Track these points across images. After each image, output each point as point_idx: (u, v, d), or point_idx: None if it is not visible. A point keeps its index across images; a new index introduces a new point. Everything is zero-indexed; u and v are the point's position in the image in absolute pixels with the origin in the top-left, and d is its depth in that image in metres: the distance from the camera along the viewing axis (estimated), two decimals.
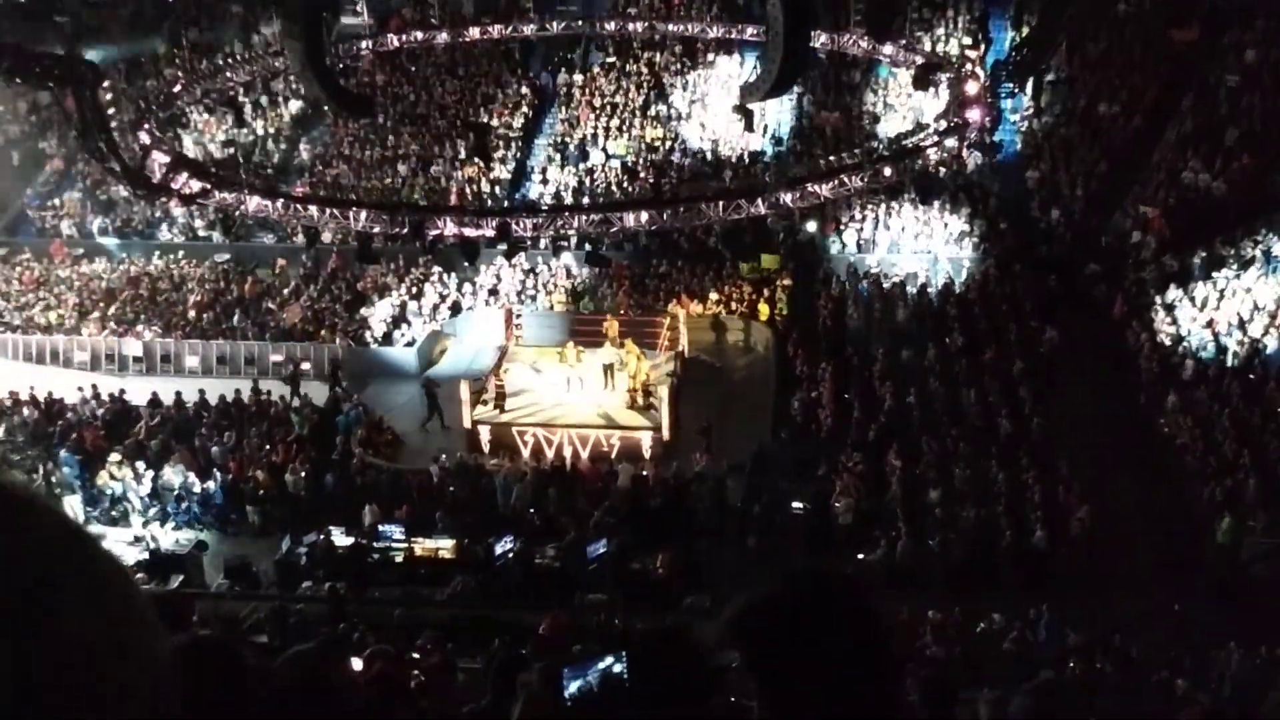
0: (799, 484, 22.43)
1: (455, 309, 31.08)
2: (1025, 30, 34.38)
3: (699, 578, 20.01)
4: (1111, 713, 13.15)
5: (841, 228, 31.84)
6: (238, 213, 26.74)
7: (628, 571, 20.09)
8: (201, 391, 26.77)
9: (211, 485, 23.55)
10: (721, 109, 35.39)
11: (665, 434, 25.00)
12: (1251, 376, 23.86)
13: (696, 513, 22.32)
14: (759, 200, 24.26)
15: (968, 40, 36.62)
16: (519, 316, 29.55)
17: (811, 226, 31.28)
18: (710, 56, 37.51)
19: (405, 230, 24.12)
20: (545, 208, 28.80)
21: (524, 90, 37.93)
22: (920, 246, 31.39)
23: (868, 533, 20.92)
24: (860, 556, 19.97)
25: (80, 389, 26.77)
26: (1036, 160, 32.92)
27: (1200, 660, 15.60)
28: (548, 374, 27.00)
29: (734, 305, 30.36)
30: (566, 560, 20.37)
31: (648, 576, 19.93)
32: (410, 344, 29.66)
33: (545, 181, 34.93)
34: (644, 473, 23.42)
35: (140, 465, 23.72)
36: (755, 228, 31.00)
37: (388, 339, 29.90)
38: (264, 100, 37.68)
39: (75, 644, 1.07)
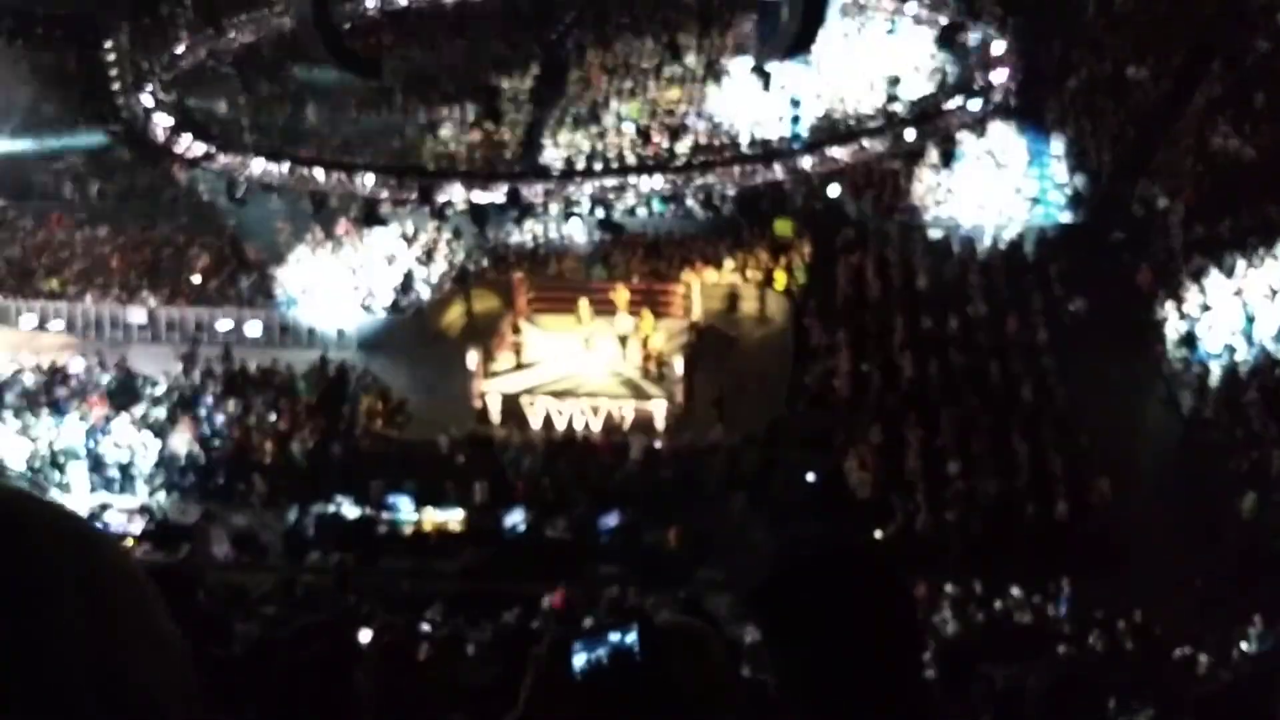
0: (815, 456, 22.45)
1: (463, 275, 31.08)
2: None
3: (712, 551, 20.06)
4: (1132, 690, 13.16)
5: (862, 193, 31.67)
6: (242, 176, 26.74)
7: (639, 545, 20.15)
8: (207, 359, 26.89)
9: (217, 454, 23.67)
10: (739, 70, 35.16)
11: (679, 405, 25.02)
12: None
13: (710, 485, 22.35)
14: (776, 165, 24.11)
15: None
16: (529, 283, 29.56)
17: (833, 191, 31.12)
18: (728, 14, 37.20)
19: (413, 195, 24.06)
20: (556, 172, 28.69)
21: (535, 50, 37.67)
22: (942, 212, 31.24)
23: (884, 506, 20.93)
24: (877, 531, 19.98)
25: (84, 357, 26.89)
26: (1062, 124, 32.67)
27: (1223, 636, 15.59)
28: (562, 339, 27.04)
29: (750, 273, 30.28)
30: (577, 533, 20.44)
31: (660, 550, 19.99)
32: (418, 312, 29.68)
33: (556, 145, 34.79)
34: (656, 445, 23.45)
35: (146, 433, 23.86)
36: (773, 193, 30.88)
37: (395, 306, 29.96)
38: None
39: (75, 657, 1.05)
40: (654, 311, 27.31)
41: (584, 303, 27.47)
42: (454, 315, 30.87)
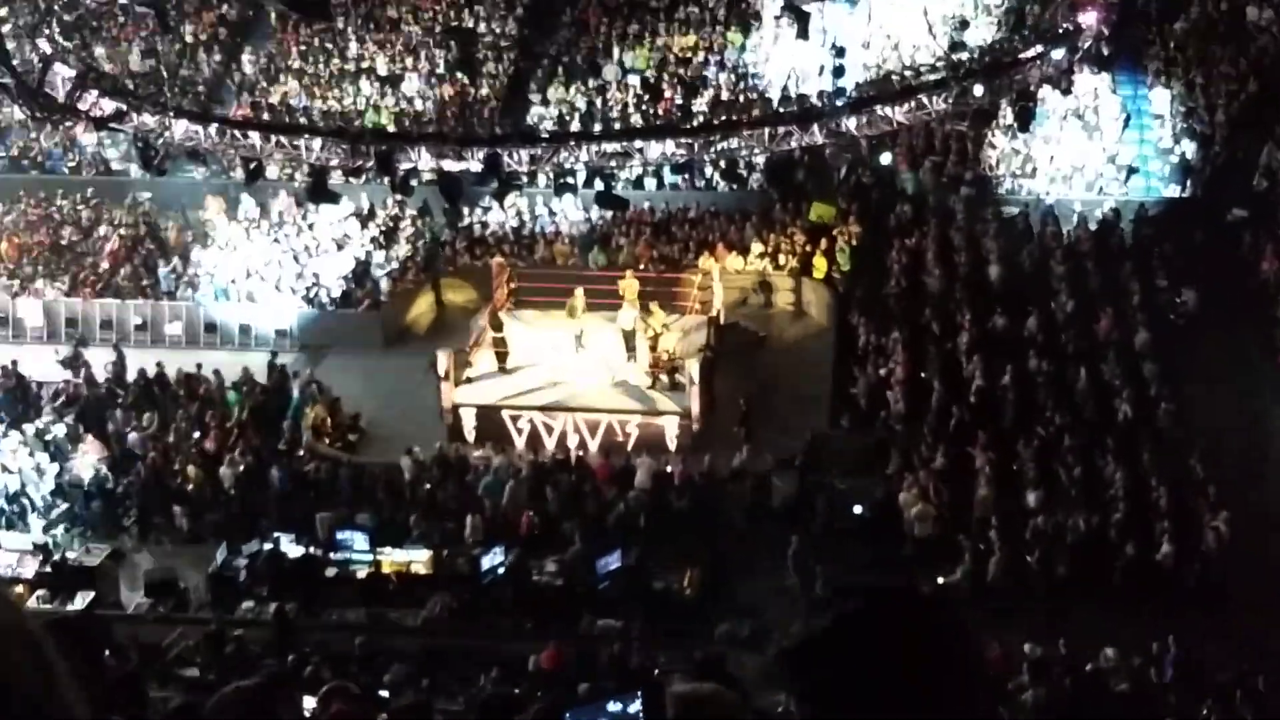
0: (862, 483, 22.40)
1: (431, 261, 31.13)
2: None
3: (736, 600, 20.04)
4: None
5: (920, 161, 31.67)
6: (160, 140, 26.75)
7: (647, 591, 20.15)
8: (116, 364, 26.92)
9: (129, 480, 23.67)
10: (769, 9, 35.19)
11: (695, 420, 25.01)
12: None
13: (733, 519, 22.33)
14: (815, 126, 24.10)
15: None
16: (512, 271, 29.59)
17: (885, 159, 31.12)
18: None
19: (370, 163, 24.08)
20: (545, 135, 28.67)
21: None
22: (1018, 185, 31.24)
23: (949, 545, 20.88)
24: (940, 579, 19.94)
25: None
26: (1167, 77, 32.65)
27: None
28: (550, 338, 27.13)
29: (783, 258, 30.25)
30: (571, 577, 20.43)
31: (672, 598, 19.98)
32: (375, 305, 29.72)
33: (545, 103, 34.83)
34: (668, 468, 23.47)
35: (42, 455, 23.87)
36: (811, 162, 30.81)
37: (347, 299, 30.01)
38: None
39: None
40: (665, 305, 27.28)
41: (578, 294, 27.49)
42: (420, 309, 30.88)
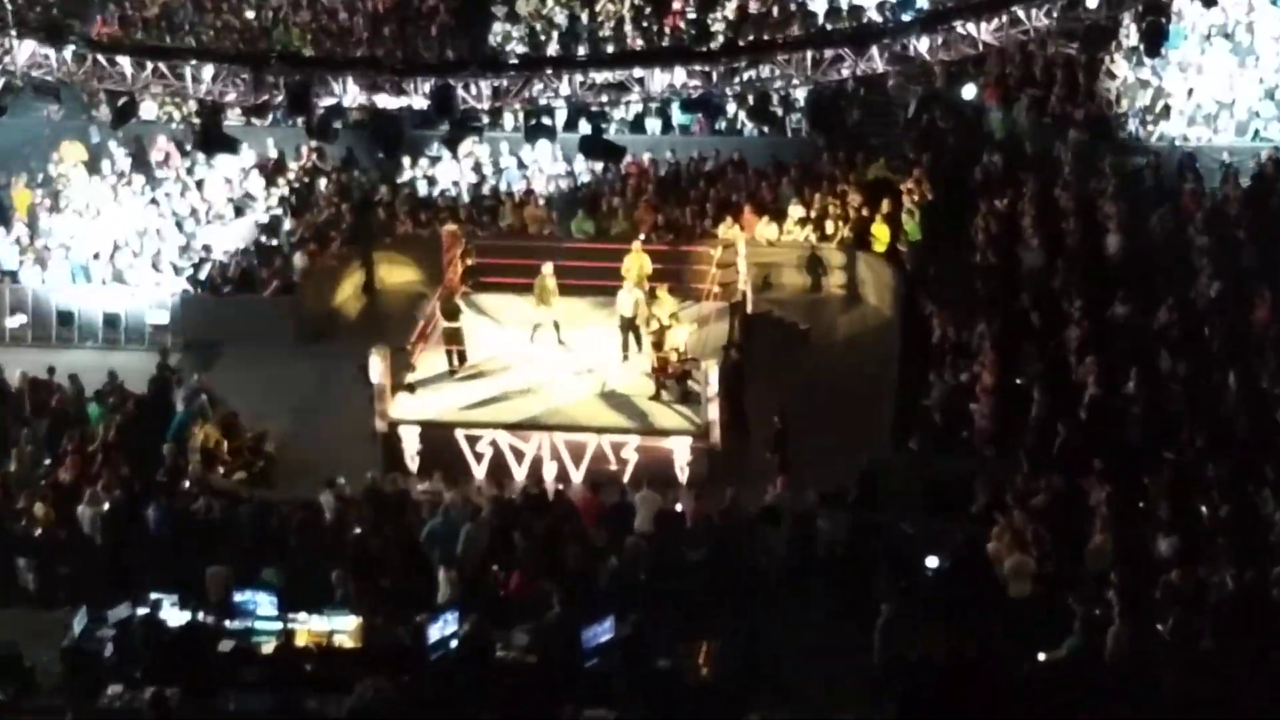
0: (938, 527, 22.41)
1: (361, 229, 31.12)
2: None
3: (767, 679, 20.03)
4: None
5: (1015, 96, 31.69)
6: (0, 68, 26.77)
7: (649, 671, 20.12)
8: None
9: None
10: None
11: (713, 440, 25.02)
12: None
13: (766, 573, 22.33)
14: (874, 49, 24.10)
15: None
16: (469, 243, 29.64)
17: (968, 92, 31.11)
18: None
19: (279, 99, 24.09)
20: (513, 62, 28.68)
21: None
22: (1146, 128, 31.26)
23: (1054, 609, 20.86)
24: (1041, 654, 19.93)
25: None
26: None
27: None
28: (521, 332, 27.30)
29: (831, 226, 30.24)
30: (548, 651, 20.41)
31: (681, 679, 19.95)
32: (286, 289, 29.71)
33: (513, 17, 34.87)
34: (677, 506, 23.45)
35: None
36: (868, 96, 30.76)
37: (248, 280, 29.98)
38: None
39: None
40: (674, 288, 27.27)
41: (547, 272, 27.37)
42: (346, 294, 30.84)
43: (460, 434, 25.50)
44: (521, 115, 26.77)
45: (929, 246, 29.41)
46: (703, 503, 23.45)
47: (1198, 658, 20.04)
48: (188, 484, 24.64)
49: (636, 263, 27.49)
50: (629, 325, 26.62)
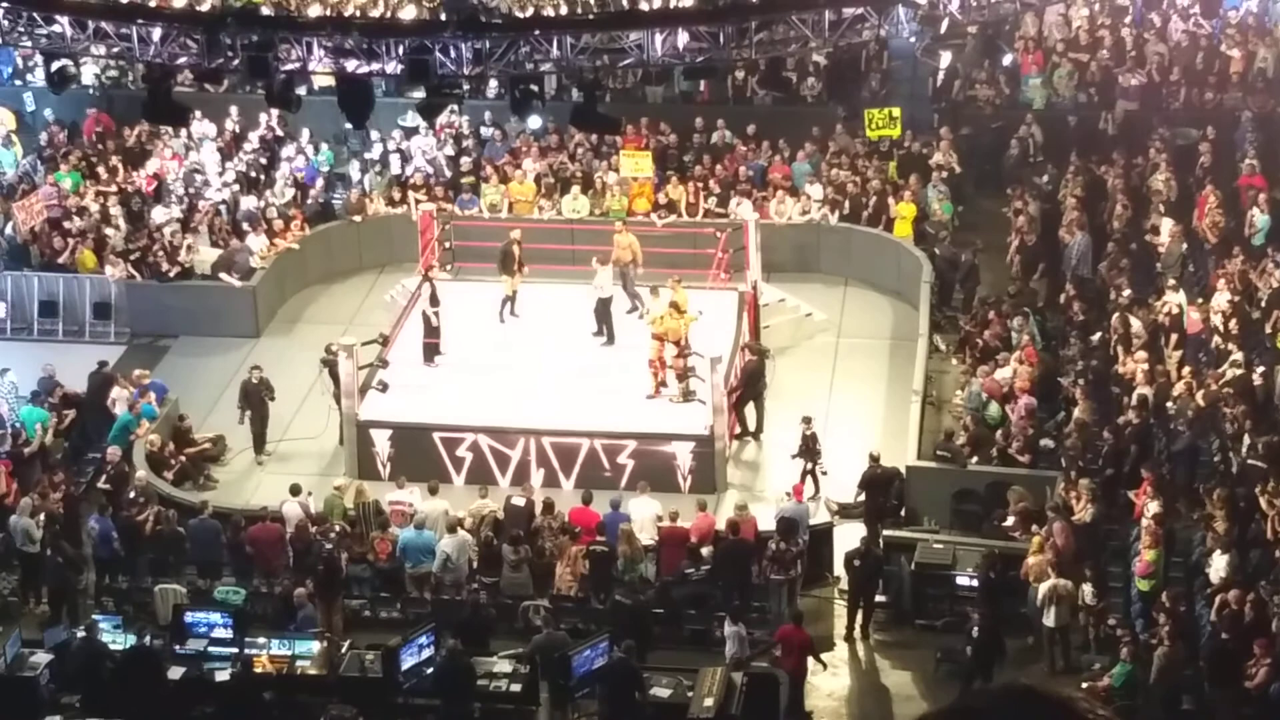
0: (966, 540, 22.36)
1: (327, 208, 31.14)
2: None
3: (787, 710, 20.06)
4: None
5: (1057, 61, 31.71)
6: None
7: (645, 700, 20.15)
8: None
9: None
10: None
11: (721, 442, 24.95)
12: None
13: (781, 591, 22.34)
14: (898, 9, 24.12)
15: None
16: (448, 223, 29.58)
17: (1005, 59, 31.10)
18: None
19: (236, 62, 24.11)
20: (496, 22, 28.69)
21: None
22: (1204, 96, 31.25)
23: (1094, 632, 20.92)
24: (1085, 682, 19.99)
25: None
26: None
27: None
28: (503, 322, 27.45)
29: (851, 204, 30.24)
30: (535, 684, 20.43)
31: (684, 709, 19.98)
32: (244, 275, 29.71)
33: None
34: (682, 522, 23.43)
35: None
36: (891, 62, 30.77)
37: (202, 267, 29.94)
38: None
39: None
40: (678, 276, 27.10)
41: (515, 234, 27.40)
42: (311, 281, 30.79)
43: (438, 436, 25.43)
44: (506, 82, 26.73)
45: (959, 228, 29.43)
46: (708, 514, 23.50)
47: (1253, 689, 20.01)
48: (133, 493, 24.52)
49: (623, 244, 27.54)
50: (604, 305, 26.67)
